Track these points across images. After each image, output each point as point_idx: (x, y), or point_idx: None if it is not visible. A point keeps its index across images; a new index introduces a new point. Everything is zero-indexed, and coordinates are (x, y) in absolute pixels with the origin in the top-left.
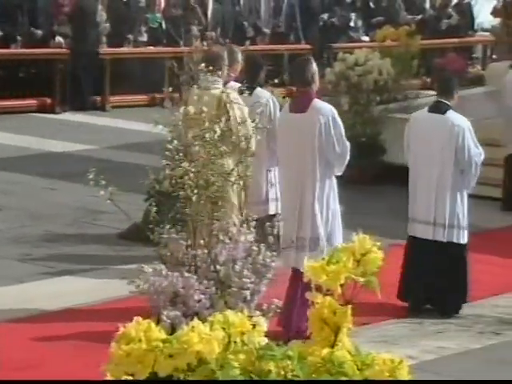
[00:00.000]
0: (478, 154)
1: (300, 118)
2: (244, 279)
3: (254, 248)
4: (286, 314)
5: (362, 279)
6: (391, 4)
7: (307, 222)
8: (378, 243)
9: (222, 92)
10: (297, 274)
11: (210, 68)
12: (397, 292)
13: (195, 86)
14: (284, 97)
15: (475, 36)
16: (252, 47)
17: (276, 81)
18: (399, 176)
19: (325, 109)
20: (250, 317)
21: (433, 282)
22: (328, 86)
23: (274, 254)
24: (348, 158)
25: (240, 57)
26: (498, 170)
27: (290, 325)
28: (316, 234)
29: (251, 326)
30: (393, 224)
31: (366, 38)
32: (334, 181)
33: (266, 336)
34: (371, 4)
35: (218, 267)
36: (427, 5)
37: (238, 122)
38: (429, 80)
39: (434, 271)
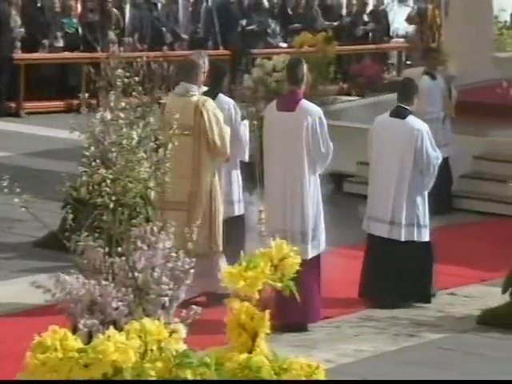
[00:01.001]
0: (435, 156)
1: (288, 116)
2: (162, 286)
3: (173, 254)
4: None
5: (279, 284)
6: (308, 10)
7: (297, 216)
8: (295, 248)
9: (198, 99)
10: None
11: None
12: (358, 289)
13: (171, 93)
14: None
15: (391, 42)
16: (170, 53)
17: None
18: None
19: (312, 109)
20: (168, 324)
21: (395, 277)
22: (246, 91)
23: (193, 260)
24: (330, 158)
25: (206, 63)
26: None
27: (289, 313)
28: (305, 228)
29: (168, 334)
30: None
31: (284, 44)
32: (318, 179)
33: (184, 343)
34: (289, 10)
35: (135, 274)
36: (344, 11)
37: (212, 128)
38: (345, 86)
39: (396, 268)
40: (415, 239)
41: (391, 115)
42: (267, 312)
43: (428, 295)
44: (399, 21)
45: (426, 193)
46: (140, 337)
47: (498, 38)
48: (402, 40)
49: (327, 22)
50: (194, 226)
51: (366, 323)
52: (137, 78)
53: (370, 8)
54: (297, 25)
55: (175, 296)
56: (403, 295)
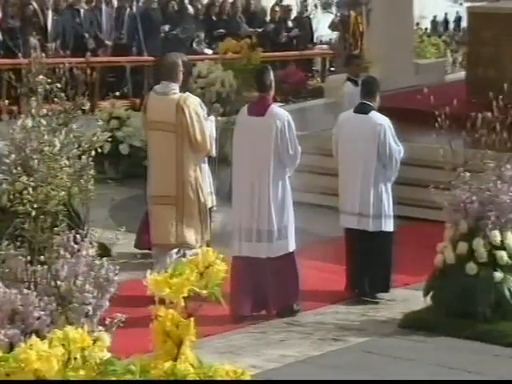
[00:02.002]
0: (397, 150)
1: (258, 120)
2: (86, 294)
3: (97, 262)
4: (263, 297)
5: (204, 291)
6: (232, 17)
7: (264, 215)
8: (222, 255)
9: (180, 97)
10: (254, 262)
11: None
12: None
13: (153, 92)
14: (127, 109)
15: (314, 49)
16: (93, 59)
17: (117, 93)
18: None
19: (281, 114)
20: (92, 332)
21: (364, 268)
22: None
23: (117, 268)
24: (298, 160)
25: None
26: (335, 180)
27: (270, 304)
28: (271, 227)
29: (92, 342)
30: None
31: (209, 51)
32: (287, 180)
33: (108, 351)
34: (213, 17)
35: (58, 283)
36: (267, 18)
37: (194, 124)
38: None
39: (366, 258)
40: (382, 229)
41: (355, 111)
42: (192, 319)
43: (388, 284)
44: (323, 28)
45: (389, 185)
46: (63, 345)
47: (419, 45)
48: (325, 47)
49: (251, 29)
50: (185, 218)
51: (292, 328)
52: (59, 85)
53: (293, 15)
54: (221, 31)
55: (99, 304)
56: (372, 284)
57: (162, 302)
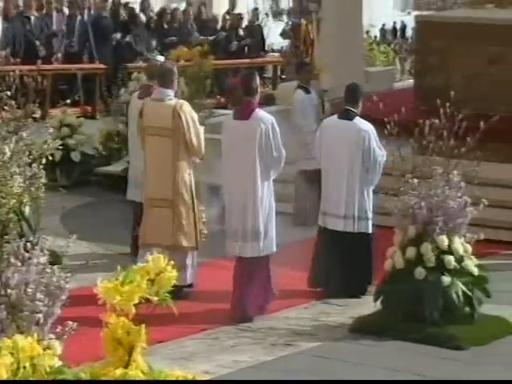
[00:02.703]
0: (381, 154)
1: (243, 124)
2: (37, 302)
3: (48, 270)
4: (238, 297)
5: (156, 298)
6: (184, 25)
7: (249, 216)
8: (172, 262)
9: (176, 103)
10: (241, 262)
11: None
12: (307, 279)
13: (148, 99)
14: (78, 116)
15: (266, 57)
16: (44, 67)
17: (68, 101)
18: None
19: (265, 117)
20: (43, 340)
21: (342, 267)
22: (123, 105)
23: (69, 275)
24: (283, 163)
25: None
26: (290, 186)
27: (241, 306)
28: (257, 227)
29: (42, 350)
30: None
31: (161, 58)
32: (271, 182)
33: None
34: (165, 25)
35: (8, 291)
36: (219, 26)
37: (190, 129)
38: (222, 99)
39: (344, 258)
40: (365, 231)
41: (339, 117)
42: (143, 326)
43: (366, 285)
44: (274, 36)
45: (371, 188)
46: (12, 354)
47: (369, 53)
48: (276, 54)
49: (203, 37)
50: (181, 221)
51: (244, 334)
52: (9, 92)
53: (245, 23)
54: (172, 38)
55: (50, 312)
56: (351, 284)
57: (114, 309)
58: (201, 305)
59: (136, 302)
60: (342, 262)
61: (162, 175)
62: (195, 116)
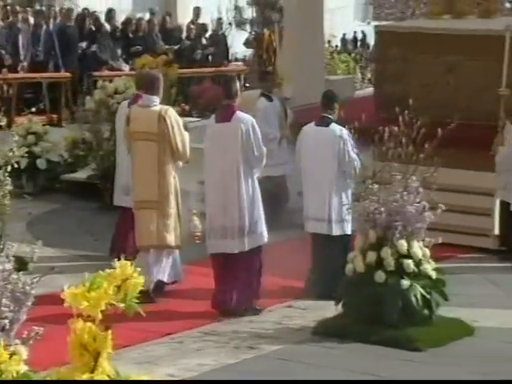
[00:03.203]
0: (356, 158)
1: (225, 126)
2: (2, 308)
3: (14, 276)
4: (223, 292)
5: (122, 304)
6: (149, 34)
7: (235, 214)
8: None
9: (161, 108)
10: (226, 258)
11: None
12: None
13: (135, 105)
14: (44, 124)
15: (230, 65)
16: (10, 75)
17: (34, 109)
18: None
19: (246, 118)
20: (9, 346)
21: (325, 268)
22: (89, 113)
23: (35, 280)
24: (264, 161)
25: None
26: None
27: (227, 300)
28: (243, 224)
29: (8, 356)
30: None
31: (126, 67)
32: (255, 180)
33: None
34: (130, 34)
35: None
36: (183, 35)
37: (175, 133)
38: (187, 107)
39: (328, 259)
40: (344, 233)
41: (316, 124)
42: (109, 332)
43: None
44: (237, 45)
45: (349, 191)
46: None
47: (330, 62)
48: (240, 63)
49: (167, 46)
50: (167, 222)
51: (208, 338)
52: None
53: (209, 32)
54: (138, 47)
55: (16, 318)
56: (333, 286)
57: (80, 315)
58: (168, 309)
59: (103, 308)
60: (322, 264)
61: (149, 178)
62: (180, 121)
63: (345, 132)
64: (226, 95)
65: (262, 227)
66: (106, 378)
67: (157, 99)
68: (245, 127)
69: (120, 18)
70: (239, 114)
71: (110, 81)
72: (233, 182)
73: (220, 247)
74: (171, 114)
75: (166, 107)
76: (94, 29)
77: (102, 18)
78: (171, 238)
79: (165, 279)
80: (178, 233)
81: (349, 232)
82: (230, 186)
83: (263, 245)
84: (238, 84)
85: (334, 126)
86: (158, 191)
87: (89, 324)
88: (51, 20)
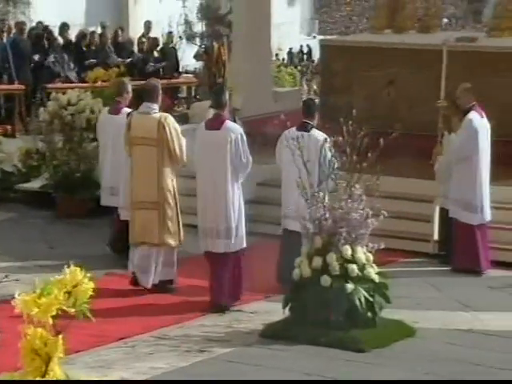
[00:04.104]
0: (333, 160)
1: (215, 134)
2: None
3: None
4: (216, 287)
5: (73, 310)
6: (102, 47)
7: (221, 215)
8: (90, 274)
9: (160, 115)
10: (215, 257)
11: None
12: (276, 276)
13: (135, 112)
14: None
15: (180, 78)
16: None
17: None
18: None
19: (235, 128)
20: None
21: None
22: (42, 124)
23: None
24: (250, 168)
25: (130, 88)
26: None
27: (220, 295)
28: (229, 224)
29: None
30: (106, 254)
31: (78, 80)
32: (240, 184)
33: None
34: (83, 47)
35: None
36: (135, 48)
37: (173, 139)
38: None
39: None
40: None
41: (297, 129)
42: (61, 337)
43: None
44: (188, 58)
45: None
46: None
47: (277, 75)
48: (190, 75)
49: (120, 59)
50: (167, 221)
51: (161, 341)
52: None
53: (160, 46)
54: (91, 60)
55: None
56: None
57: (32, 321)
58: (119, 313)
59: (53, 313)
60: (292, 259)
61: (148, 180)
62: (178, 128)
63: (324, 136)
64: (216, 105)
65: (243, 231)
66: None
67: (156, 106)
68: (234, 136)
69: (73, 32)
70: (228, 123)
71: (63, 93)
72: (221, 186)
73: (208, 246)
74: (170, 121)
75: (166, 115)
76: (47, 42)
77: (56, 31)
78: (171, 238)
79: (164, 278)
80: (177, 232)
81: None
82: (218, 189)
83: (243, 248)
84: (227, 95)
85: (315, 132)
86: (157, 193)
87: (40, 329)
88: (5, 33)
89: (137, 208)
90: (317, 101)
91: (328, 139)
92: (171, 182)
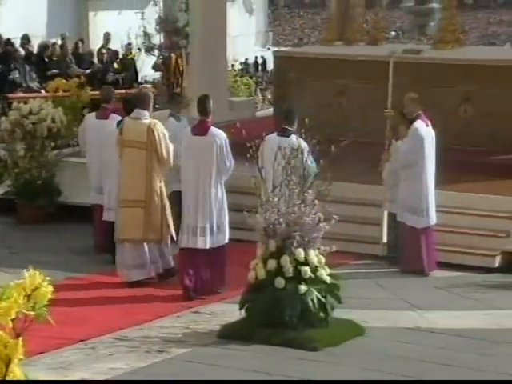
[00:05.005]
0: (313, 166)
1: (201, 139)
2: None
3: None
4: (201, 279)
5: (32, 313)
6: (63, 58)
7: (206, 214)
8: (49, 278)
9: (150, 121)
10: (199, 252)
11: None
12: None
13: (127, 118)
14: None
15: (139, 88)
16: None
17: None
18: (74, 214)
19: (219, 133)
20: None
21: None
22: (4, 133)
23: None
24: (232, 170)
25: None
26: None
27: (200, 289)
28: (212, 223)
29: None
30: (66, 259)
31: (41, 89)
32: (223, 185)
33: None
34: (45, 58)
35: None
36: (95, 59)
37: (161, 144)
38: None
39: None
40: None
41: (278, 135)
42: (20, 339)
43: None
44: (146, 68)
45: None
46: None
47: (233, 85)
48: (149, 86)
49: (80, 70)
50: (152, 218)
51: (120, 343)
52: None
53: (119, 57)
54: (53, 71)
55: None
56: None
57: None
58: (79, 315)
59: (13, 316)
60: None
61: (137, 180)
62: (166, 133)
63: (304, 143)
64: (201, 112)
65: (227, 228)
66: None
67: (147, 113)
68: (219, 141)
69: (34, 43)
70: (213, 129)
71: (25, 102)
72: (205, 187)
73: (192, 243)
74: (159, 127)
75: (155, 121)
76: (8, 53)
77: (17, 42)
78: (152, 233)
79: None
80: (159, 229)
81: None
82: (203, 190)
83: (226, 244)
84: (211, 102)
85: (294, 137)
86: (144, 192)
87: (0, 332)
88: None
89: (123, 206)
90: (271, 110)
91: (307, 145)
92: (159, 182)
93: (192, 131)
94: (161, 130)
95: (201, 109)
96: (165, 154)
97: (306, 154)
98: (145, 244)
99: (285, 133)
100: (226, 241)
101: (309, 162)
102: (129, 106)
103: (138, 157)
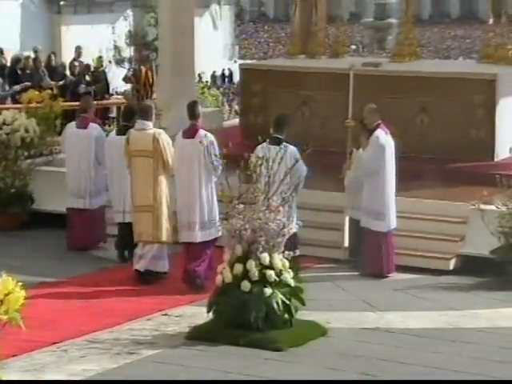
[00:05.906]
0: (304, 169)
1: (190, 141)
2: None
3: None
4: (192, 271)
5: (5, 317)
6: (36, 71)
7: (197, 210)
8: (21, 283)
9: (154, 131)
10: (193, 246)
11: None
12: None
13: (132, 130)
14: None
15: (110, 99)
16: None
17: None
18: (46, 221)
19: (207, 136)
20: None
21: None
22: None
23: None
24: (220, 169)
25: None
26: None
27: (195, 277)
28: (204, 219)
29: None
30: (39, 264)
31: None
32: (214, 184)
33: None
34: (18, 71)
35: None
36: (68, 72)
37: (166, 152)
38: None
39: None
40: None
41: (269, 143)
42: None
43: None
44: (117, 80)
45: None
46: None
47: (201, 96)
48: (120, 97)
49: (53, 82)
50: (160, 221)
51: (92, 345)
52: None
53: (91, 69)
54: (27, 83)
55: None
56: None
57: None
58: (51, 319)
59: None
60: None
61: (145, 187)
62: (170, 142)
63: (294, 150)
64: (191, 116)
65: (217, 223)
66: None
67: (150, 124)
68: (206, 143)
69: (7, 56)
70: (201, 131)
71: None
72: (196, 185)
73: (187, 237)
74: (163, 136)
75: (159, 130)
76: None
77: None
78: (164, 235)
79: (161, 269)
80: (169, 231)
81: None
82: (194, 188)
83: (218, 237)
84: (199, 107)
85: (284, 145)
86: (152, 197)
87: None
88: None
89: (138, 211)
90: (238, 120)
91: (297, 152)
92: (165, 187)
93: (183, 135)
94: (165, 138)
95: (190, 114)
96: (170, 160)
97: (297, 156)
98: (156, 244)
99: (275, 141)
100: (217, 235)
101: (301, 162)
102: (127, 114)
103: (145, 164)
